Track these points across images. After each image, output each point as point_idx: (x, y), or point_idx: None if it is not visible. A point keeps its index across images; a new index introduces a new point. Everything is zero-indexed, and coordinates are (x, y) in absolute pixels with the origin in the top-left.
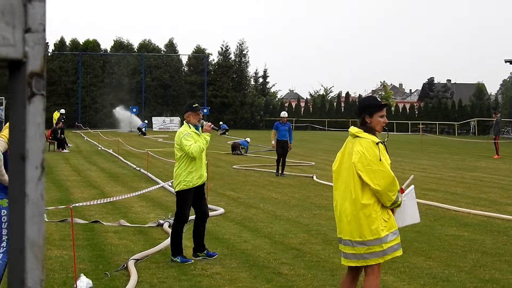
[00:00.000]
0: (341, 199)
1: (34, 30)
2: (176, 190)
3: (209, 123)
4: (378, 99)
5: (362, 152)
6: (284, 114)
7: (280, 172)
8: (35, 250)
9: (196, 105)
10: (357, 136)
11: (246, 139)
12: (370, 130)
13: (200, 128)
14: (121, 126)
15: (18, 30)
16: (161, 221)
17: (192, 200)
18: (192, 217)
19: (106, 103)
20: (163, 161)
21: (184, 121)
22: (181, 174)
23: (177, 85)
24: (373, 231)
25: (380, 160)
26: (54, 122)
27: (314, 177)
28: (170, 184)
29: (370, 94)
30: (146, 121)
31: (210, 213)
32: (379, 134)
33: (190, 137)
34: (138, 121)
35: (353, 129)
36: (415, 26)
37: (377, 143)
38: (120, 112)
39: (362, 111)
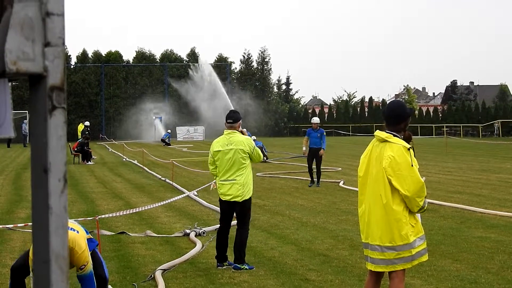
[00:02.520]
0: (370, 204)
1: (54, 44)
2: (246, 198)
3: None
4: None
5: (392, 157)
6: (315, 120)
7: (316, 181)
8: (59, 261)
9: None
10: (386, 141)
11: None
12: (407, 136)
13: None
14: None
15: (38, 44)
16: (188, 231)
17: None
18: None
19: (130, 114)
20: (189, 170)
21: (235, 130)
22: (248, 182)
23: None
24: (403, 236)
25: (412, 166)
26: (79, 134)
27: (341, 183)
28: (196, 193)
29: (394, 99)
30: (169, 131)
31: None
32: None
33: None
34: (162, 131)
35: (381, 134)
36: (437, 29)
37: (409, 149)
38: None
39: (407, 116)
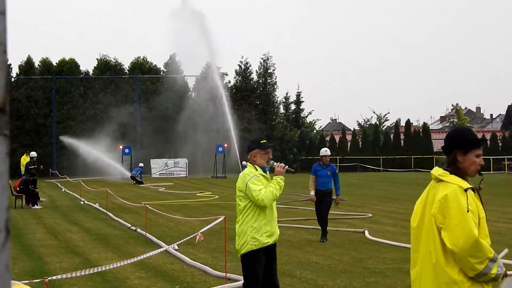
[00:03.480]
0: (422, 264)
1: None
2: (241, 253)
3: (282, 164)
4: (475, 133)
5: (444, 200)
6: (325, 151)
7: (322, 234)
8: None
9: (264, 141)
10: (441, 180)
11: None
12: (460, 172)
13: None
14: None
15: None
16: None
17: (263, 265)
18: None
19: (90, 142)
20: (167, 217)
21: (247, 162)
22: (247, 231)
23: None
24: None
25: (468, 211)
26: (23, 169)
27: (366, 233)
28: (177, 247)
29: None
30: (141, 165)
31: (230, 285)
32: (472, 179)
33: (258, 181)
34: (131, 165)
35: (436, 171)
36: (494, 34)
37: (466, 190)
38: None
39: (454, 146)
